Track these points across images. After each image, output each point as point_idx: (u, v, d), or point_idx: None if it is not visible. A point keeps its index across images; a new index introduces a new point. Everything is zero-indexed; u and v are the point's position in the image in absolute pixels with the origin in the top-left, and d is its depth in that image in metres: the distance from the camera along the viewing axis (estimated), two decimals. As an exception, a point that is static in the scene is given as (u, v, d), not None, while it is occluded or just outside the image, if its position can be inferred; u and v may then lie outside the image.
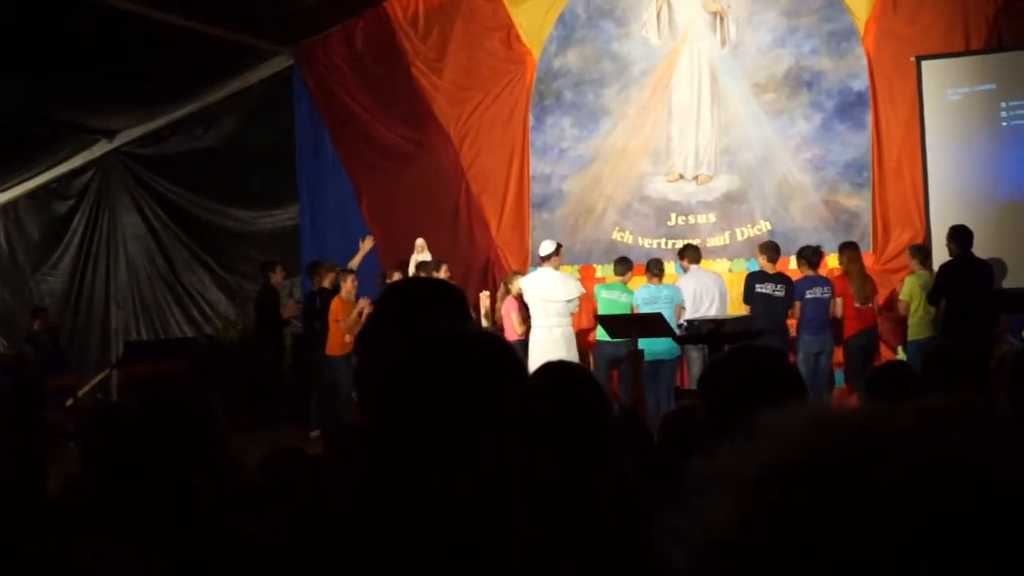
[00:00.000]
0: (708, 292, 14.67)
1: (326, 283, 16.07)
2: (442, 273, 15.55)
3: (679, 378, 15.26)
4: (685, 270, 15.10)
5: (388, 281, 15.79)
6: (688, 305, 14.59)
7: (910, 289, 14.15)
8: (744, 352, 3.65)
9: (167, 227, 19.74)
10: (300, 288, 17.96)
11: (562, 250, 15.24)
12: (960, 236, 13.77)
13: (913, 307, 14.07)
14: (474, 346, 2.39)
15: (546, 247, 15.05)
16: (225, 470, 3.51)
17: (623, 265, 15.37)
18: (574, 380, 3.94)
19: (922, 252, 14.44)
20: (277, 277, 16.93)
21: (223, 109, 19.19)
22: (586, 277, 16.10)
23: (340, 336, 15.49)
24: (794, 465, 1.04)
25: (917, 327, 14.03)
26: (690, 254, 15.08)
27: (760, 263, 14.96)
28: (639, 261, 15.93)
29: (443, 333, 2.46)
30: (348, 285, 15.73)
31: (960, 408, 1.94)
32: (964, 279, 13.49)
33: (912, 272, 14.34)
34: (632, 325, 14.21)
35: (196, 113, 19.26)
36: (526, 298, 14.97)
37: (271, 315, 16.61)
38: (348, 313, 15.43)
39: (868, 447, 1.03)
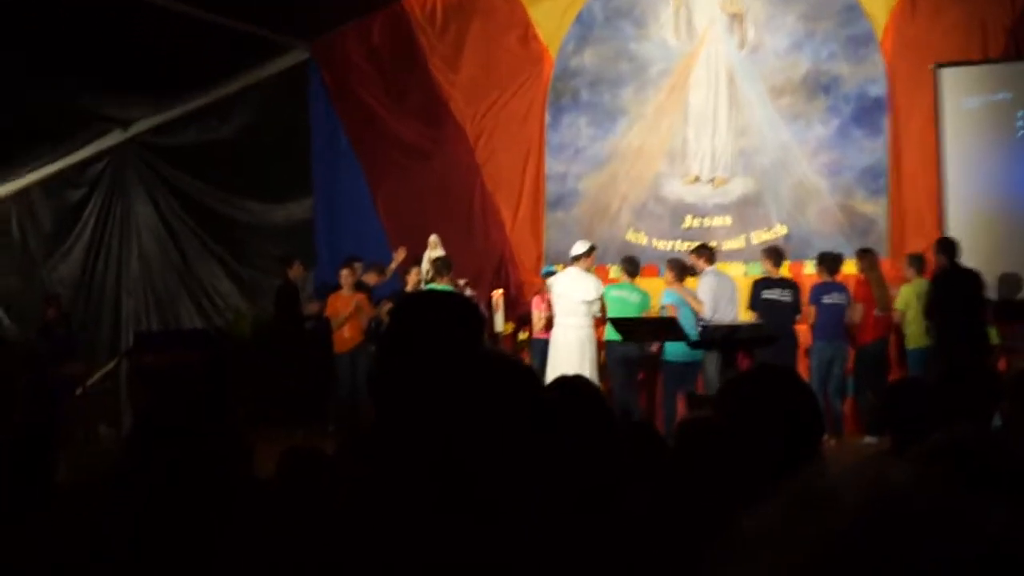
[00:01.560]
0: (725, 295, 14.80)
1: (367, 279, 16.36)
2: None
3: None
4: (699, 271, 15.08)
5: (407, 277, 16.01)
6: (707, 308, 14.66)
7: (906, 298, 14.35)
8: (761, 375, 3.70)
9: (180, 218, 19.83)
10: (313, 283, 18.17)
11: (595, 252, 15.41)
12: (946, 248, 14.05)
13: (910, 316, 14.27)
14: (491, 370, 2.51)
15: (578, 247, 15.30)
16: (240, 467, 3.57)
17: (631, 264, 15.44)
18: (583, 401, 4.11)
19: (919, 261, 14.58)
20: (296, 272, 17.10)
21: (239, 101, 19.18)
22: (600, 278, 16.14)
23: (339, 333, 15.70)
24: (851, 544, 1.08)
25: (916, 336, 14.24)
26: (706, 254, 15.11)
27: (765, 268, 15.12)
28: (652, 262, 16.16)
29: (462, 355, 2.61)
30: (345, 280, 15.93)
31: (987, 444, 2.00)
32: (953, 290, 13.71)
33: (908, 281, 14.54)
34: (645, 328, 14.41)
35: (211, 104, 19.30)
36: (551, 296, 15.25)
37: (291, 310, 16.77)
38: (346, 309, 15.62)
39: (923, 531, 1.07)
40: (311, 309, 17.04)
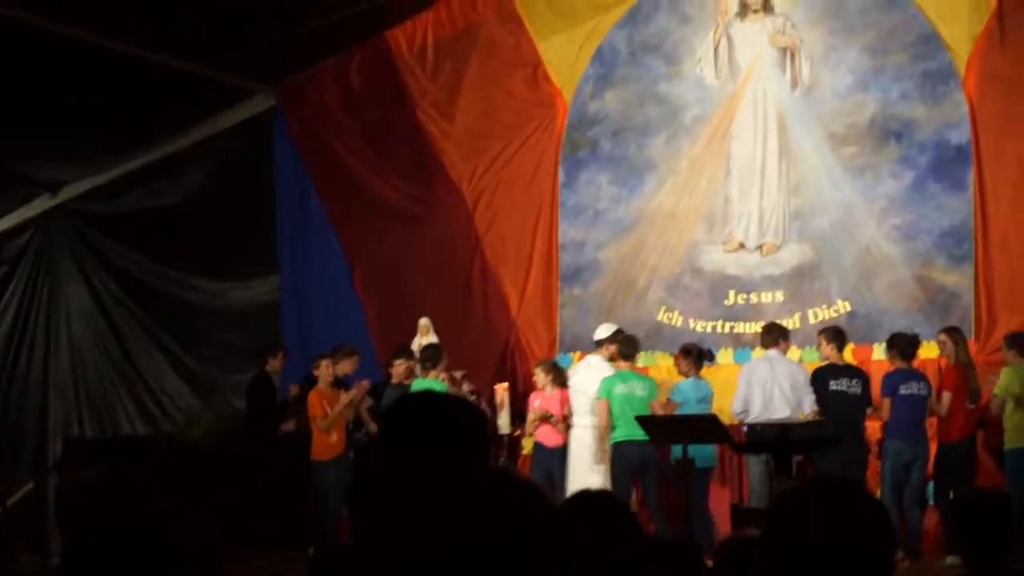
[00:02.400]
0: (777, 386, 14.38)
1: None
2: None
3: (736, 493, 15.12)
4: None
5: (391, 369, 15.68)
6: (738, 401, 14.48)
7: (1006, 384, 13.84)
8: (822, 488, 3.46)
9: (119, 301, 19.82)
10: (281, 378, 17.86)
11: (622, 337, 15.14)
12: None
13: (1010, 408, 13.78)
14: (498, 490, 2.36)
15: (601, 331, 15.34)
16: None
17: (629, 346, 15.17)
18: (607, 518, 4.11)
19: (1020, 342, 14.13)
20: (276, 364, 16.73)
21: (190, 159, 19.33)
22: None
23: (323, 437, 15.28)
24: None
25: (1015, 432, 13.74)
26: (777, 334, 14.84)
27: (825, 353, 14.73)
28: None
29: (463, 473, 2.43)
30: (324, 372, 15.54)
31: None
32: None
33: (1008, 364, 14.04)
34: (683, 428, 14.02)
35: (157, 163, 19.39)
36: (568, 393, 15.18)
37: (266, 408, 16.36)
38: (331, 406, 15.25)
39: None
40: (288, 426, 16.57)
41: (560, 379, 15.27)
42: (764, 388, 14.28)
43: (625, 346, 15.10)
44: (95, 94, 16.53)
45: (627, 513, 4.38)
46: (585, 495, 4.37)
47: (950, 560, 13.11)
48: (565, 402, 15.15)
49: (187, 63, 16.98)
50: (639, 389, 14.71)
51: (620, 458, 14.51)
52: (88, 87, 16.33)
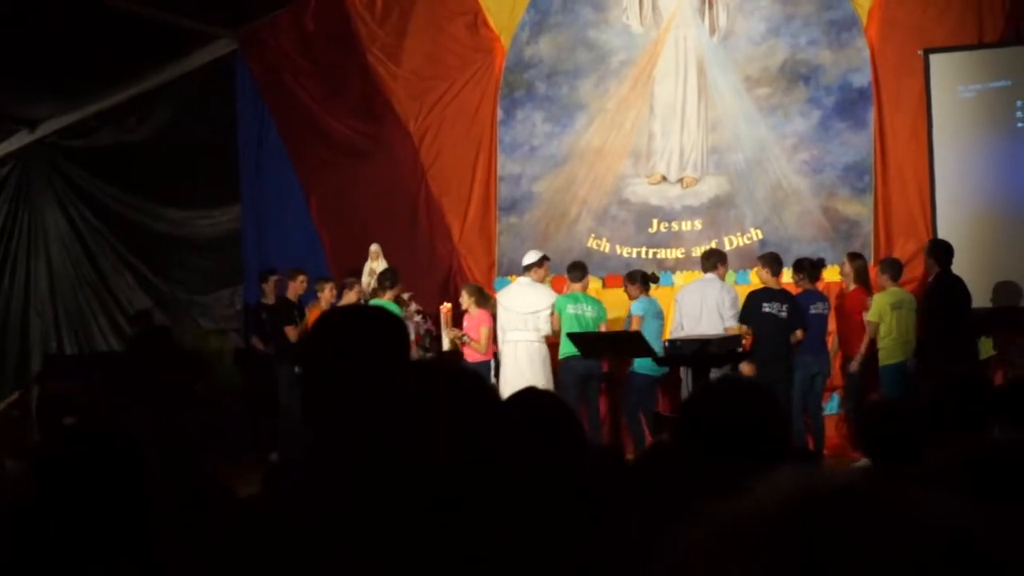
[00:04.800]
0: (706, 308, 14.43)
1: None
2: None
3: (663, 402, 15.33)
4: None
5: (346, 291, 15.86)
6: (686, 319, 14.43)
7: (879, 308, 14.12)
8: (722, 387, 3.78)
9: (94, 228, 19.63)
10: (241, 299, 18.03)
11: (547, 263, 15.44)
12: (942, 251, 13.95)
13: (884, 329, 14.08)
14: (432, 376, 2.47)
15: (528, 257, 15.48)
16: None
17: (578, 270, 15.28)
18: (550, 414, 4.04)
19: (894, 267, 14.44)
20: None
21: (158, 98, 19.10)
22: (557, 289, 15.80)
23: None
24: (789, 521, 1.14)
25: (890, 351, 14.05)
26: (715, 259, 14.79)
27: (761, 277, 14.70)
28: (616, 271, 16.06)
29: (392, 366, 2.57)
30: (326, 295, 15.80)
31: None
32: (947, 299, 13.65)
33: (883, 289, 14.33)
34: (606, 343, 14.27)
35: (128, 102, 19.18)
36: (498, 310, 15.24)
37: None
38: None
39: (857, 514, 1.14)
40: (257, 343, 16.72)
41: (482, 300, 15.51)
42: (692, 309, 14.32)
43: (575, 271, 15.24)
44: (71, 40, 16.55)
45: (568, 409, 4.31)
46: (532, 391, 4.33)
47: (861, 462, 13.44)
48: (485, 321, 15.34)
49: (157, 10, 16.94)
50: (588, 311, 14.89)
51: (567, 371, 14.63)
52: (64, 33, 16.37)
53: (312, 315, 15.62)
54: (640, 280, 15.05)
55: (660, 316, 14.89)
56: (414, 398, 2.33)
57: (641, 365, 14.47)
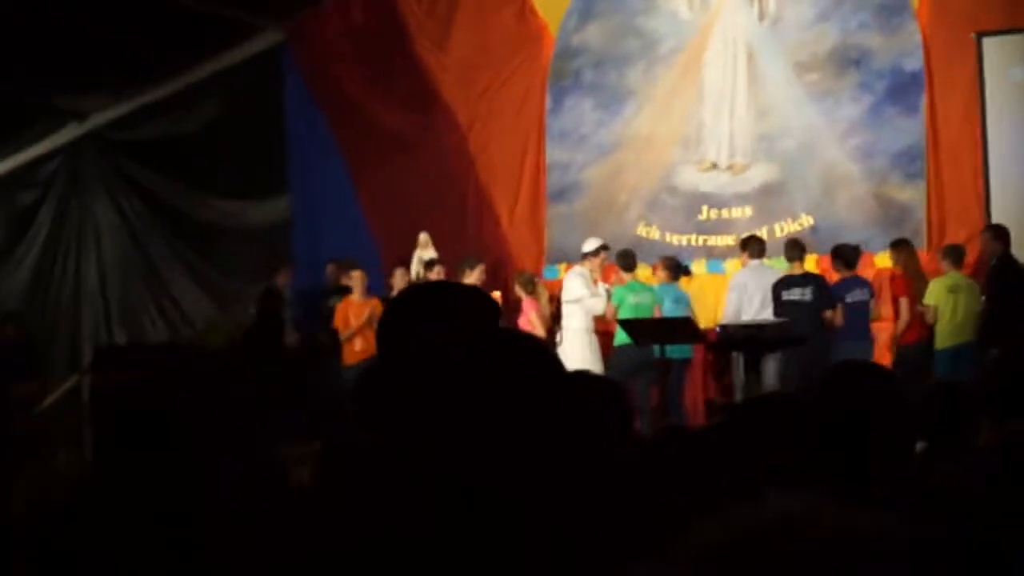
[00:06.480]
0: (759, 295, 14.43)
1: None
2: (475, 276, 15.45)
3: (712, 387, 15.36)
4: (744, 265, 14.89)
5: (391, 280, 15.78)
6: (730, 308, 14.50)
7: (937, 293, 14.03)
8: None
9: (144, 219, 19.58)
10: (291, 289, 17.94)
11: (604, 252, 15.27)
12: (1002, 234, 13.92)
13: (943, 313, 13.98)
14: (512, 349, 2.38)
15: (588, 244, 15.33)
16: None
17: (626, 259, 15.32)
18: (603, 396, 3.95)
19: (956, 253, 14.33)
20: (283, 278, 16.77)
21: (206, 91, 18.99)
22: (608, 277, 15.77)
23: (348, 344, 15.38)
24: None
25: (946, 335, 13.98)
26: (753, 247, 14.79)
27: (789, 263, 14.74)
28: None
29: (480, 335, 2.48)
30: (357, 282, 15.66)
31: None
32: (1012, 282, 13.55)
33: (942, 274, 14.24)
34: (660, 330, 14.15)
35: (176, 94, 19.06)
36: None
37: (275, 319, 16.41)
38: (359, 315, 15.32)
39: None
40: (291, 339, 16.62)
41: (529, 289, 15.43)
42: (755, 295, 14.32)
43: (624, 259, 15.27)
44: (120, 32, 16.49)
45: (623, 396, 4.30)
46: (585, 373, 4.29)
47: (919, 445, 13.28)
48: (533, 308, 15.29)
49: (204, 2, 16.93)
50: (646, 298, 14.86)
51: (622, 358, 14.60)
52: (113, 26, 16.30)
53: (343, 307, 15.51)
54: (669, 267, 15.24)
55: (681, 302, 15.02)
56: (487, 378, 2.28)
57: (673, 350, 14.31)
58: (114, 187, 19.81)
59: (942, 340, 13.98)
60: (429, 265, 15.88)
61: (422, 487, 2.27)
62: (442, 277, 15.55)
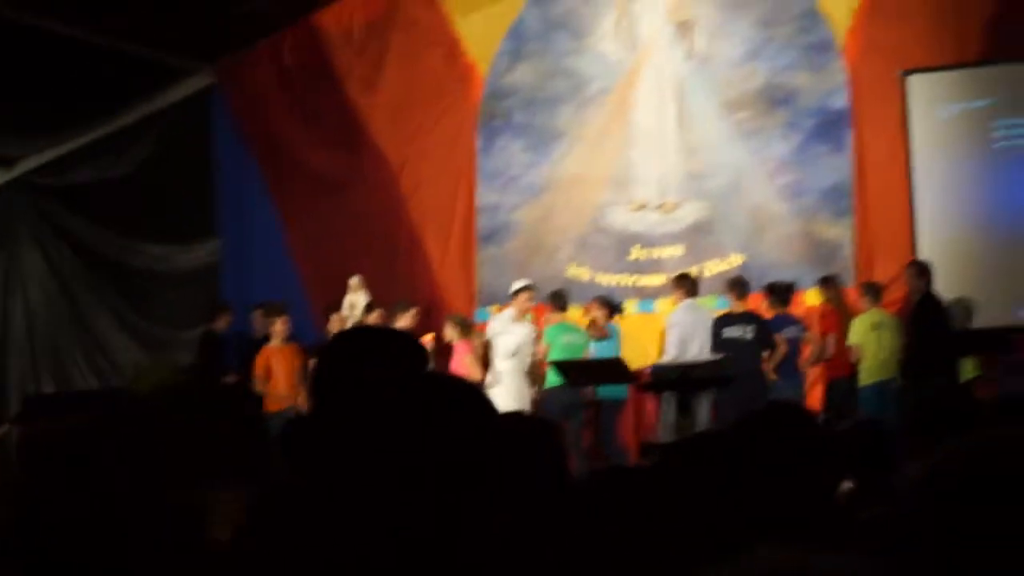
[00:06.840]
0: (698, 333, 14.36)
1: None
2: (408, 320, 15.36)
3: (645, 428, 15.37)
4: (677, 303, 14.77)
5: (328, 326, 15.63)
6: (672, 347, 14.32)
7: (859, 331, 14.11)
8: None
9: (72, 266, 19.45)
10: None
11: (526, 293, 15.11)
12: (925, 271, 14.02)
13: (867, 350, 14.05)
14: (443, 391, 2.41)
15: (512, 286, 15.24)
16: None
17: (559, 299, 15.24)
18: (536, 436, 3.95)
19: (874, 290, 14.39)
20: (223, 323, 16.64)
21: (136, 134, 18.88)
22: (538, 319, 15.66)
23: (273, 390, 15.10)
24: None
25: (871, 371, 14.06)
26: (687, 286, 14.68)
27: (729, 301, 14.69)
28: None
29: (406, 378, 2.52)
30: (278, 329, 15.38)
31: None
32: (932, 319, 13.66)
33: (865, 311, 14.28)
34: (592, 370, 14.08)
35: (105, 138, 18.95)
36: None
37: (215, 364, 16.20)
38: (283, 361, 15.07)
39: None
40: (229, 379, 16.45)
41: (465, 332, 15.25)
42: (694, 333, 14.25)
43: (557, 299, 15.19)
44: (49, 76, 16.37)
45: (557, 435, 4.24)
46: (517, 415, 4.38)
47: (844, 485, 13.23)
48: (467, 350, 15.07)
49: (133, 45, 16.82)
50: (578, 339, 14.82)
51: (552, 401, 14.46)
52: (39, 70, 16.17)
53: (264, 354, 15.31)
54: (605, 306, 15.14)
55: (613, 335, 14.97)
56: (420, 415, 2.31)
57: (606, 390, 14.42)
58: (42, 234, 19.63)
59: (866, 377, 14.05)
60: (368, 308, 15.74)
61: (351, 531, 2.26)
62: (380, 321, 15.40)
